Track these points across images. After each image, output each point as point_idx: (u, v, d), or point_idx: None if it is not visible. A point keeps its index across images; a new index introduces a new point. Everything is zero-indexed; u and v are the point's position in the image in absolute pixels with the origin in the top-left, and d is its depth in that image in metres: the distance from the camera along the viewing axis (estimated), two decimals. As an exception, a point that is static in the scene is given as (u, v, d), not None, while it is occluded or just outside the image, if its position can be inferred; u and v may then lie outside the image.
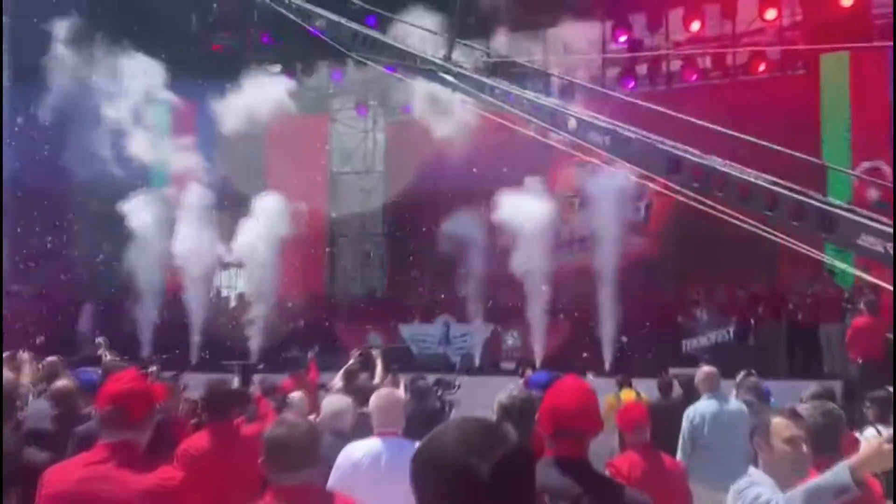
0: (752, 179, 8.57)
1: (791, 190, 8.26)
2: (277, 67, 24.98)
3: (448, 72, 12.14)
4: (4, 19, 20.48)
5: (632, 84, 20.98)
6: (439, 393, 8.05)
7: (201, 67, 21.30)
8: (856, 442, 6.22)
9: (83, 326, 19.83)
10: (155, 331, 19.44)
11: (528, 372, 10.60)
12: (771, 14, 19.58)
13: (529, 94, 11.28)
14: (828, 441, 4.13)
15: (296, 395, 7.07)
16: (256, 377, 11.56)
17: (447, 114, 15.52)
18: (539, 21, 20.01)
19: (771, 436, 3.26)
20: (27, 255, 22.95)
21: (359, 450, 4.77)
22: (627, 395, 10.46)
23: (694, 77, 20.61)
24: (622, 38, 21.20)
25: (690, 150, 9.40)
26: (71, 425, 5.05)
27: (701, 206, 8.94)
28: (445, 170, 18.99)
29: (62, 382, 5.47)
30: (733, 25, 20.34)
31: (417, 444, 4.56)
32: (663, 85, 21.44)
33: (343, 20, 14.35)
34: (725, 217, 8.79)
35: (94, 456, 3.55)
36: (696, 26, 20.27)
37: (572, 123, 10.65)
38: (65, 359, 7.76)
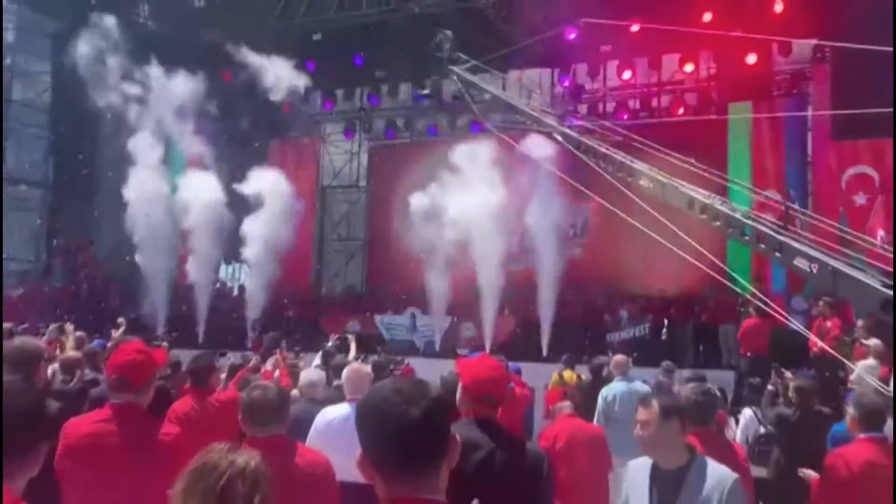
0: (729, 212, 10.41)
1: (756, 221, 9.97)
2: (279, 97, 25.01)
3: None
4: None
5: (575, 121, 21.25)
6: (391, 368, 8.24)
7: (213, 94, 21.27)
8: (726, 418, 6.41)
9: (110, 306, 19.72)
10: (168, 313, 19.43)
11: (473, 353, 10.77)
12: (689, 67, 19.93)
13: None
14: (706, 416, 4.28)
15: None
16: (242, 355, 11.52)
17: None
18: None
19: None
20: (61, 246, 22.79)
21: (331, 413, 4.84)
22: (569, 375, 10.51)
23: (625, 116, 20.89)
24: (566, 83, 21.46)
25: (700, 190, 10.34)
26: (80, 388, 5.09)
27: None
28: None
29: (70, 353, 5.51)
30: (658, 75, 20.70)
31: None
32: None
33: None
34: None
35: (103, 414, 3.61)
36: (627, 75, 20.56)
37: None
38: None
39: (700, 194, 10.86)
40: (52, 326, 6.22)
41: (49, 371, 4.75)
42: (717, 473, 3.20)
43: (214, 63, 20.94)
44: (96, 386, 4.82)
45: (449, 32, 16.36)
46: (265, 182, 19.16)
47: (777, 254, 9.47)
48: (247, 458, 1.86)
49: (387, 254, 22.71)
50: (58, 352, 5.43)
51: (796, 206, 12.63)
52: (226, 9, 20.42)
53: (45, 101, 23.80)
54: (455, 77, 16.41)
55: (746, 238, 10.06)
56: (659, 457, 3.29)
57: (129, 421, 3.55)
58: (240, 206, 19.02)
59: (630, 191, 11.66)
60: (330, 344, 9.52)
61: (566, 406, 5.65)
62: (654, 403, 3.32)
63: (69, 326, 5.97)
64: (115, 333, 7.84)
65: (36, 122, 23.99)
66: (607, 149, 12.79)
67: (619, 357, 8.20)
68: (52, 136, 23.72)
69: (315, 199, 25.10)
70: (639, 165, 11.94)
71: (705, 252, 9.99)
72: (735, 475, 3.24)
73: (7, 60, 23.96)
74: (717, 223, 10.50)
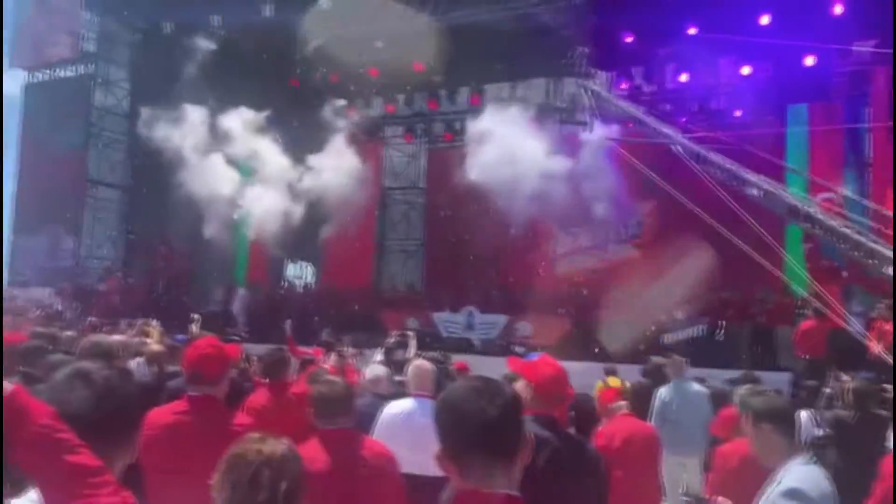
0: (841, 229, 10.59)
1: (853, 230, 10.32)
2: (343, 101, 25.38)
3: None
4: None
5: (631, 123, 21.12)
6: (444, 364, 8.30)
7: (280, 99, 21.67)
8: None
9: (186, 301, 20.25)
10: (239, 310, 19.87)
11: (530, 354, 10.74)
12: (746, 70, 19.52)
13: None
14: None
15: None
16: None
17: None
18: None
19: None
20: (139, 244, 23.48)
21: (396, 407, 4.92)
22: (614, 381, 10.42)
23: (683, 119, 20.57)
24: (623, 86, 21.19)
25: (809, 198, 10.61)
26: (161, 380, 5.25)
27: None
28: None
29: (155, 346, 5.68)
30: (716, 77, 20.32)
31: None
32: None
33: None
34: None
35: (180, 406, 3.73)
36: (684, 78, 20.23)
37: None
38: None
39: (802, 202, 10.84)
40: (139, 322, 6.45)
41: (134, 364, 4.92)
42: None
43: (282, 69, 21.35)
44: (177, 378, 4.98)
45: (585, 49, 16.41)
46: (328, 184, 19.47)
47: (871, 261, 9.35)
48: (273, 446, 1.95)
49: (444, 253, 22.81)
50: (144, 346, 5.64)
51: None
52: (292, 18, 20.74)
53: (125, 107, 24.54)
54: (587, 91, 16.38)
55: (845, 246, 9.98)
56: None
57: (205, 411, 3.66)
58: (304, 207, 19.36)
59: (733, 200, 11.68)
60: (390, 340, 9.61)
61: (623, 405, 5.61)
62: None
63: (153, 321, 6.18)
64: (192, 329, 8.08)
65: (115, 127, 24.75)
66: (723, 159, 12.77)
67: (675, 358, 8.09)
68: (130, 140, 24.44)
69: (376, 200, 25.35)
70: (750, 175, 11.93)
71: (758, 258, 9.86)
72: None
73: (89, 68, 24.83)
74: (818, 231, 10.45)
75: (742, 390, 4.29)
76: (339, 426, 3.40)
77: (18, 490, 1.49)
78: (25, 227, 24.31)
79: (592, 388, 5.98)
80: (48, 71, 25.70)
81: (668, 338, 16.21)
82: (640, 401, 7.59)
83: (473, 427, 1.70)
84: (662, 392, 7.63)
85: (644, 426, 6.03)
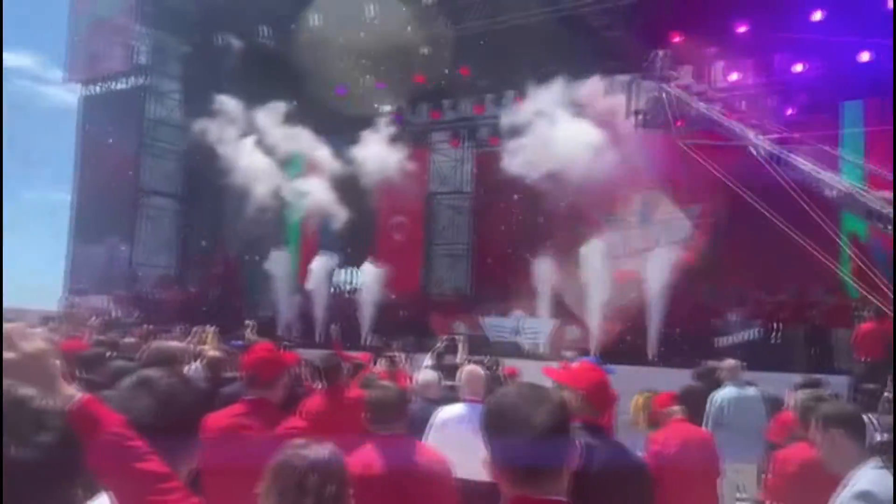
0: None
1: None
2: (388, 108, 25.59)
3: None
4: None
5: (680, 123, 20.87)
6: (493, 368, 8.26)
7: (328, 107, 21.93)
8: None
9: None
10: (291, 316, 20.17)
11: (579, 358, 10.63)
12: (799, 67, 19.10)
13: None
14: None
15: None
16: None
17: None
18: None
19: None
20: (194, 252, 23.96)
21: (449, 412, 4.93)
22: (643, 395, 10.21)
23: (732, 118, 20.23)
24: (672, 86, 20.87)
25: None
26: (218, 385, 5.35)
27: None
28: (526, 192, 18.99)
29: (213, 353, 5.79)
30: (767, 76, 19.91)
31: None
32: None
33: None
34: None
35: (237, 409, 3.80)
36: (734, 76, 19.87)
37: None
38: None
39: (879, 203, 10.65)
40: (196, 328, 6.60)
41: (191, 369, 5.02)
42: None
43: (329, 77, 21.59)
44: (232, 384, 5.07)
45: (668, 51, 16.34)
46: (375, 189, 19.66)
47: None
48: (318, 450, 1.98)
49: (492, 257, 22.79)
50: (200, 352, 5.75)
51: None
52: (338, 28, 21.00)
53: (177, 117, 25.08)
54: (665, 94, 16.27)
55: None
56: None
57: (261, 415, 3.71)
58: (353, 212, 19.58)
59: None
60: (439, 345, 9.61)
61: (677, 410, 5.51)
62: None
63: (210, 328, 6.31)
64: (247, 334, 8.23)
65: (168, 137, 25.31)
66: (803, 162, 12.62)
67: (729, 361, 7.92)
68: (182, 150, 24.96)
69: (424, 205, 25.45)
70: (826, 175, 11.77)
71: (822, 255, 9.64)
72: None
73: (142, 80, 25.45)
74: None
75: (802, 395, 4.20)
76: (393, 431, 3.42)
77: (90, 494, 1.53)
78: (83, 236, 24.98)
79: (633, 394, 5.90)
80: (103, 84, 26.40)
81: (722, 340, 15.90)
82: (692, 405, 7.47)
83: (521, 434, 1.70)
84: (716, 396, 7.49)
85: (700, 432, 5.91)
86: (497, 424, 1.75)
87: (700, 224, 19.66)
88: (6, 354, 1.26)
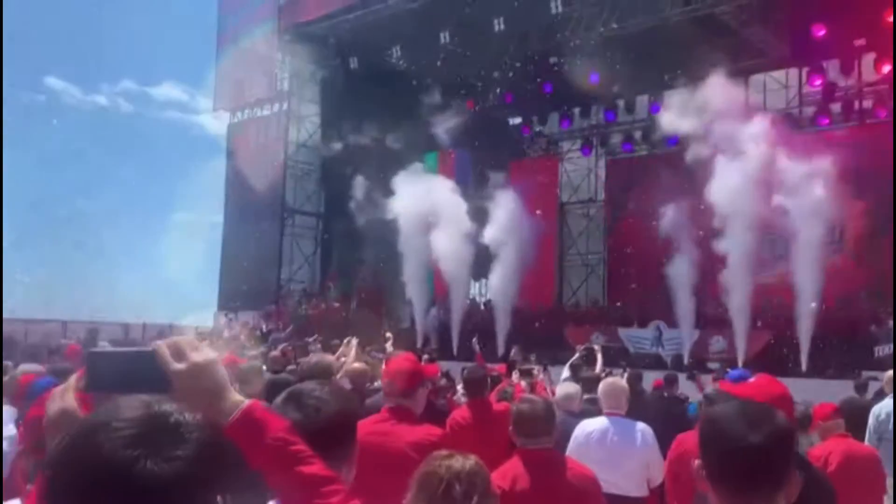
0: None
1: None
2: (518, 119, 25.63)
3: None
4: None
5: (826, 121, 19.75)
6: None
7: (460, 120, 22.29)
8: None
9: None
10: (427, 328, 20.57)
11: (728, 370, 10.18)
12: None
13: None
14: None
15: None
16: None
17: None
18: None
19: None
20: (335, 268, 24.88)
21: (590, 425, 4.87)
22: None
23: (884, 114, 18.90)
24: (817, 82, 19.74)
25: None
26: (361, 397, 5.51)
27: None
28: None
29: (357, 365, 5.96)
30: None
31: (638, 423, 4.59)
32: (856, 121, 19.86)
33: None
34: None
35: (379, 416, 3.91)
36: (886, 69, 18.54)
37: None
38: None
39: None
40: (343, 341, 6.84)
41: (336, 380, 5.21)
42: None
43: (459, 93, 21.93)
44: (373, 396, 5.21)
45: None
46: (505, 202, 19.74)
47: None
48: (462, 461, 2.00)
49: (627, 266, 22.30)
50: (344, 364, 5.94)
51: None
52: (469, 44, 21.27)
53: (316, 140, 26.16)
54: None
55: None
56: None
57: (402, 421, 3.79)
58: (483, 226, 19.75)
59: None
60: (577, 356, 9.47)
61: (840, 424, 5.18)
62: None
63: (354, 340, 6.51)
64: (387, 347, 8.45)
65: (308, 159, 26.43)
66: None
67: (890, 373, 7.38)
68: (321, 171, 25.98)
69: (556, 215, 25.28)
70: None
71: None
72: None
73: (283, 106, 26.71)
74: None
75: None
76: (541, 445, 3.39)
77: (260, 499, 1.62)
78: (234, 256, 26.40)
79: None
80: (248, 110, 27.90)
81: (881, 350, 14.83)
82: (852, 419, 7.00)
83: (733, 453, 1.64)
84: (877, 409, 7.00)
85: (863, 448, 5.54)
86: (712, 439, 1.71)
87: (849, 226, 18.43)
88: (177, 366, 1.36)
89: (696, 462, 1.72)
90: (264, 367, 6.01)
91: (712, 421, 1.74)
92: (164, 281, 43.23)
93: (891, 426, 6.79)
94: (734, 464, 1.64)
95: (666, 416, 6.86)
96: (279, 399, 1.94)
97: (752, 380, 2.75)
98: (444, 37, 21.28)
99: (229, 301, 25.40)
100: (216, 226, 27.99)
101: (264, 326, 21.13)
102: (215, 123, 37.09)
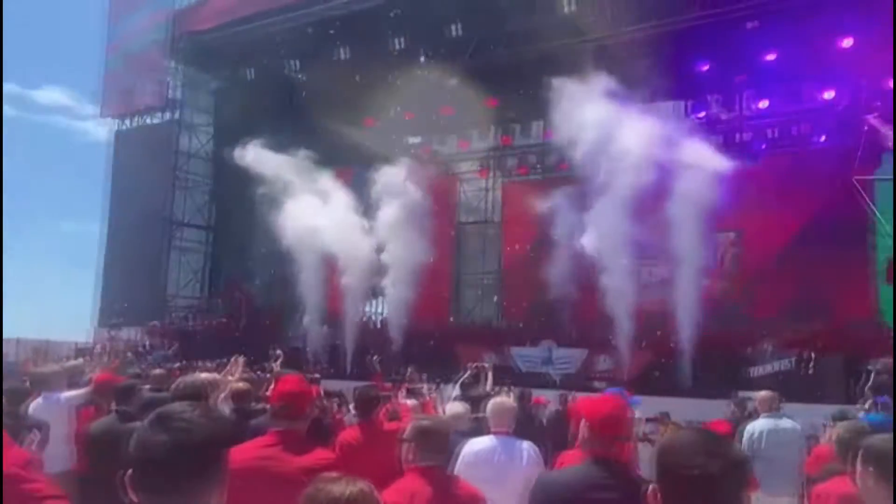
0: None
1: None
2: (417, 139, 25.78)
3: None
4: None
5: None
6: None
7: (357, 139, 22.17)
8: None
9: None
10: (319, 346, 20.26)
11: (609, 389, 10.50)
12: (829, 94, 18.97)
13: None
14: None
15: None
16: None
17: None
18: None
19: None
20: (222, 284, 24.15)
21: (477, 444, 4.88)
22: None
23: (763, 146, 20.15)
24: (700, 114, 20.85)
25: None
26: (245, 417, 5.34)
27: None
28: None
29: (240, 385, 5.79)
30: (797, 103, 19.82)
31: (524, 441, 4.60)
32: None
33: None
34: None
35: (266, 440, 3.78)
36: (764, 104, 19.81)
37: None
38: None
39: None
40: (225, 359, 6.62)
41: (218, 400, 5.03)
42: None
43: (357, 111, 21.84)
44: (262, 415, 5.07)
45: None
46: (403, 220, 19.77)
47: None
48: (345, 487, 1.97)
49: (521, 287, 22.70)
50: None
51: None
52: (366, 60, 21.27)
53: (208, 150, 25.48)
54: None
55: None
56: None
57: (291, 446, 3.70)
58: (379, 243, 19.72)
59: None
60: (466, 374, 9.52)
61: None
62: None
63: (241, 358, 6.31)
64: (275, 365, 8.25)
65: (199, 170, 25.71)
66: None
67: (764, 393, 7.76)
68: (213, 183, 25.29)
69: (452, 234, 25.49)
70: None
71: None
72: None
73: (174, 115, 25.92)
74: None
75: (841, 427, 4.10)
76: (437, 463, 3.39)
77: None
78: (115, 269, 25.30)
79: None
80: (136, 118, 26.92)
81: (756, 371, 15.64)
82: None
83: (690, 479, 1.69)
84: (750, 428, 7.35)
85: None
86: (670, 465, 1.75)
87: (727, 252, 19.50)
88: None
89: (652, 487, 1.76)
90: (147, 387, 5.75)
91: (671, 449, 1.78)
92: (38, 294, 40.86)
93: (763, 445, 7.14)
94: (693, 492, 1.69)
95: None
96: (146, 420, 1.84)
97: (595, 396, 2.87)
98: (342, 52, 21.23)
99: (111, 317, 24.27)
100: (97, 237, 26.74)
101: (147, 343, 20.31)
102: (100, 130, 35.56)
